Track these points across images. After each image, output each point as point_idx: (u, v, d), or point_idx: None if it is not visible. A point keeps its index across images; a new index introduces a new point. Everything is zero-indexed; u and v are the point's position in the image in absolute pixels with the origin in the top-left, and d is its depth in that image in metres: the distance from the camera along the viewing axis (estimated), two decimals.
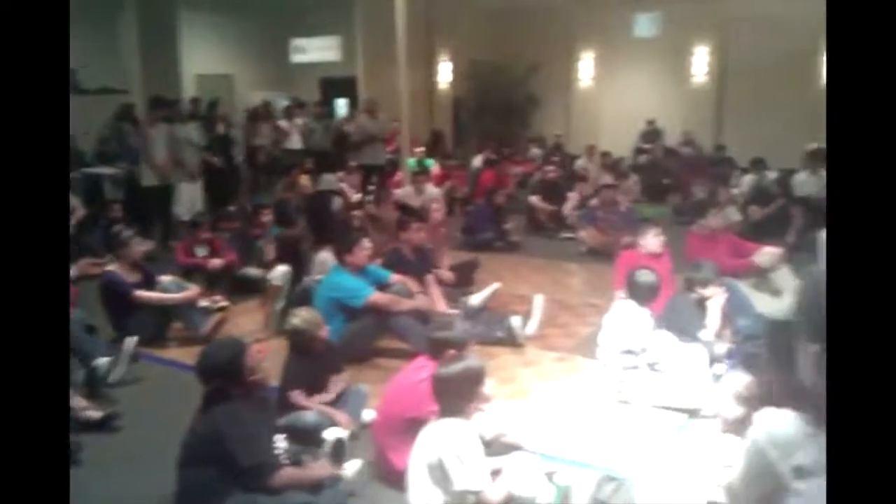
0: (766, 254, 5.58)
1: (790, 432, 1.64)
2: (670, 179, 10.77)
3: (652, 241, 5.39)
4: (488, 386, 2.98)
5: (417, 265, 5.50)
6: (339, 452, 3.28)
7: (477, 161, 11.22)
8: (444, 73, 13.96)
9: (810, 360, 1.21)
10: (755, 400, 2.62)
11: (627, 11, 13.33)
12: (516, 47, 13.01)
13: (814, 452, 1.21)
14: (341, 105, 13.31)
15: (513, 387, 4.34)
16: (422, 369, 3.39)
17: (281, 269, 5.40)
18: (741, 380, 3.21)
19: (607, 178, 10.03)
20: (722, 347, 4.20)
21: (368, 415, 3.74)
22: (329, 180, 8.53)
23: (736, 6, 12.03)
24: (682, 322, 4.42)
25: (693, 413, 3.83)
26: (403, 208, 7.18)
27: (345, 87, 12.98)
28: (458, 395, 2.89)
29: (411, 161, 9.29)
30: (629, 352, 4.10)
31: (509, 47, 12.99)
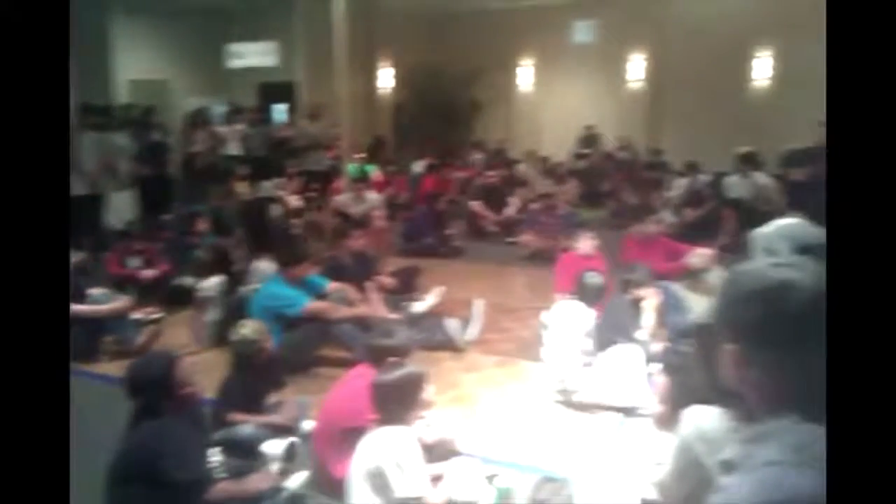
0: (699, 255, 5.74)
1: (716, 428, 1.67)
2: (608, 184, 10.98)
3: (585, 244, 5.50)
4: (429, 392, 2.97)
5: (357, 272, 5.46)
6: (290, 457, 3.24)
7: (418, 167, 11.23)
8: (386, 79, 13.94)
9: (727, 360, 1.22)
10: (675, 398, 2.68)
11: (565, 18, 13.54)
12: (458, 53, 13.08)
13: (738, 447, 1.23)
14: (280, 111, 13.14)
15: (455, 392, 4.35)
16: (361, 377, 3.37)
17: (213, 280, 5.29)
18: (663, 379, 3.30)
19: (547, 183, 10.17)
20: (657, 347, 4.30)
21: (308, 425, 3.69)
22: (267, 187, 8.41)
23: (670, 14, 12.35)
24: (619, 323, 4.51)
25: (630, 412, 3.90)
26: (344, 215, 7.13)
27: (284, 92, 12.82)
28: (398, 402, 2.88)
29: (352, 167, 9.24)
30: (570, 352, 4.16)
31: (451, 53, 13.05)
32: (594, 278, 4.41)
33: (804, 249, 5.14)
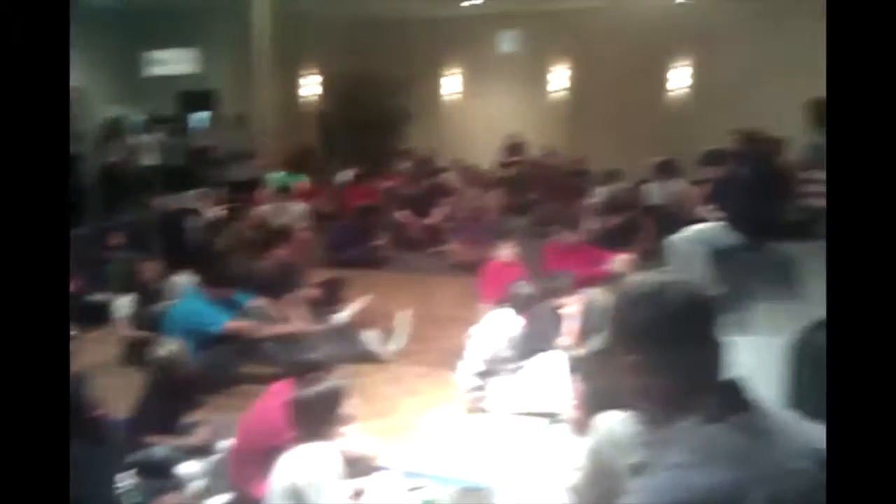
0: (620, 261, 5.87)
1: (626, 432, 1.69)
2: (533, 192, 11.11)
3: (506, 252, 5.56)
4: (351, 406, 2.94)
5: (281, 285, 5.35)
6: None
7: (344, 176, 11.13)
8: (311, 87, 13.77)
9: (625, 367, 1.25)
10: (589, 403, 2.73)
11: (491, 28, 13.71)
12: (385, 61, 13.05)
13: (646, 450, 1.26)
14: (201, 119, 12.80)
15: (378, 405, 4.30)
16: (280, 394, 3.30)
17: (125, 298, 5.09)
18: (576, 384, 3.37)
19: (474, 192, 10.23)
20: (578, 353, 4.36)
21: (225, 445, 3.58)
22: (186, 199, 8.17)
23: (592, 25, 12.65)
24: (542, 330, 4.57)
25: (553, 418, 3.94)
26: (266, 227, 6.98)
27: (204, 100, 12.50)
28: (317, 417, 2.83)
29: (275, 177, 9.08)
30: (495, 361, 4.18)
31: (378, 61, 13.00)
32: (524, 287, 4.46)
33: (718, 252, 5.36)
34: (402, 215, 9.05)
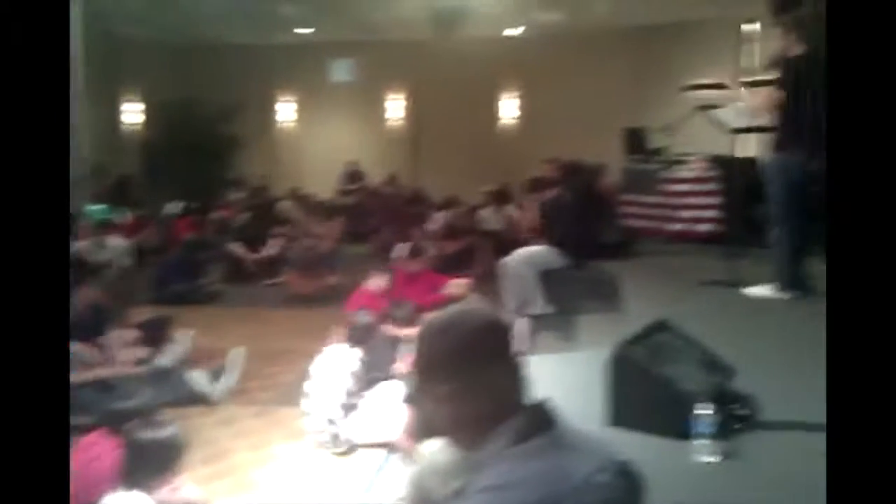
0: (456, 285, 5.96)
1: (445, 459, 1.70)
2: (373, 220, 11.12)
3: (375, 281, 5.49)
4: (181, 455, 2.73)
5: (95, 326, 4.92)
6: None
7: (171, 208, 10.53)
8: (134, 114, 12.99)
9: (436, 399, 1.27)
10: (417, 432, 2.73)
11: (325, 56, 13.65)
12: (215, 87, 12.57)
13: (464, 476, 1.31)
14: None
15: (208, 449, 4.03)
16: (93, 447, 3.01)
17: None
18: (405, 413, 3.36)
19: (312, 221, 10.06)
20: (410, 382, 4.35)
21: None
22: None
23: (425, 55, 12.95)
24: (382, 360, 4.53)
25: (392, 448, 3.88)
26: (81, 264, 6.41)
27: None
28: (143, 470, 2.61)
29: (93, 210, 8.41)
30: (337, 395, 4.06)
31: (206, 87, 12.49)
32: (362, 317, 4.38)
33: (546, 273, 5.59)
34: (234, 247, 8.68)
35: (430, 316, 1.35)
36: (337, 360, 4.16)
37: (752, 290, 4.57)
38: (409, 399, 3.25)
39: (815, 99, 4.37)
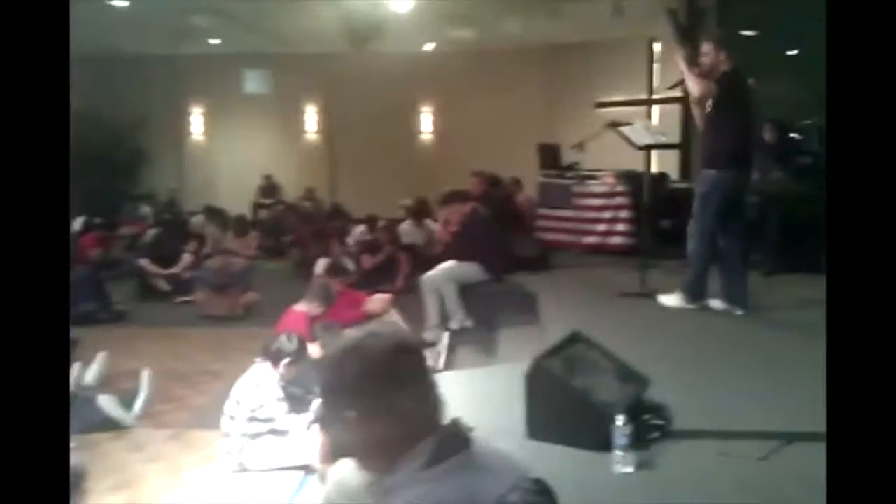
0: (376, 301, 5.91)
1: (355, 482, 1.69)
2: (290, 234, 10.95)
3: (311, 304, 5.31)
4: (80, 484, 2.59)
5: None
6: None
7: (76, 224, 10.05)
8: None
9: (345, 424, 1.27)
10: (330, 454, 2.70)
11: (237, 67, 13.37)
12: (122, 99, 12.10)
13: (373, 499, 1.29)
14: None
15: (120, 477, 3.85)
16: None
17: None
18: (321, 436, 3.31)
19: (226, 237, 9.81)
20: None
21: None
22: None
23: (341, 69, 12.86)
24: (305, 381, 4.44)
25: (309, 470, 3.82)
26: None
27: None
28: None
29: None
30: (255, 418, 3.96)
31: (111, 99, 12.01)
32: (284, 341, 4.24)
33: (466, 287, 5.64)
34: (144, 264, 8.36)
35: (337, 339, 1.34)
36: (259, 381, 4.05)
37: (714, 302, 4.67)
38: (319, 423, 3.21)
39: (745, 114, 4.52)
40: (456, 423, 1.29)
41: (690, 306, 4.66)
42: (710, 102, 4.47)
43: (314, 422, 3.67)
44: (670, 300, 4.74)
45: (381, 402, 1.24)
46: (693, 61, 4.58)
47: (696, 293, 4.67)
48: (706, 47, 4.55)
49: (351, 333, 1.33)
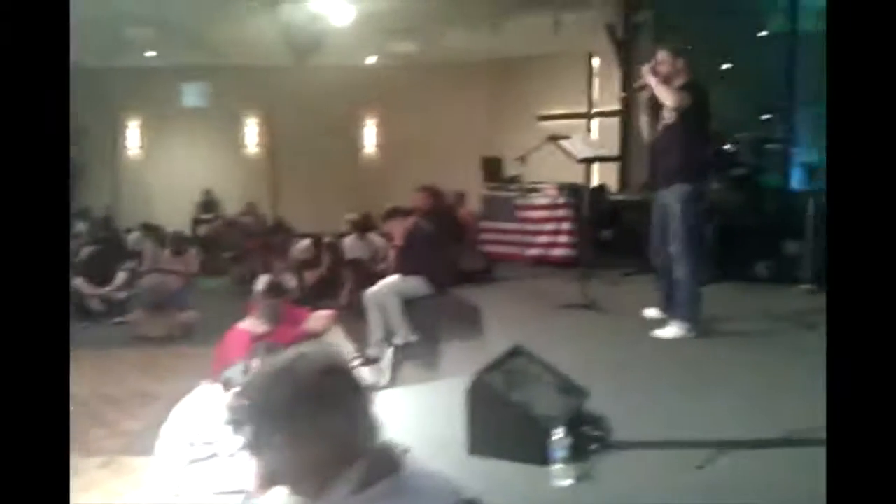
0: (318, 318, 5.78)
1: None
2: (232, 251, 10.73)
3: (253, 322, 5.14)
4: None
5: None
6: None
7: None
8: None
9: (274, 449, 1.25)
10: (263, 479, 2.64)
11: (173, 80, 13.08)
12: None
13: None
14: None
15: None
16: None
17: None
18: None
19: (163, 254, 9.55)
20: None
21: None
22: None
23: (282, 82, 12.72)
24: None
25: (248, 496, 3.71)
26: None
27: None
28: None
29: None
30: (195, 442, 3.83)
31: None
32: (235, 374, 4.10)
33: (410, 301, 5.60)
34: (77, 283, 8.06)
35: (264, 362, 1.30)
36: (203, 404, 3.93)
37: (663, 332, 4.37)
38: (249, 448, 3.14)
39: (709, 123, 4.45)
40: (388, 445, 1.27)
41: (692, 335, 4.27)
42: (673, 114, 4.30)
43: (243, 447, 3.58)
44: (669, 332, 4.33)
45: (310, 426, 1.21)
46: (656, 71, 4.38)
47: (698, 319, 4.33)
48: (662, 55, 4.39)
49: (278, 356, 1.30)
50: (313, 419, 1.21)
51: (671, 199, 4.33)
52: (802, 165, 7.65)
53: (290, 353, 1.29)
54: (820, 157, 7.73)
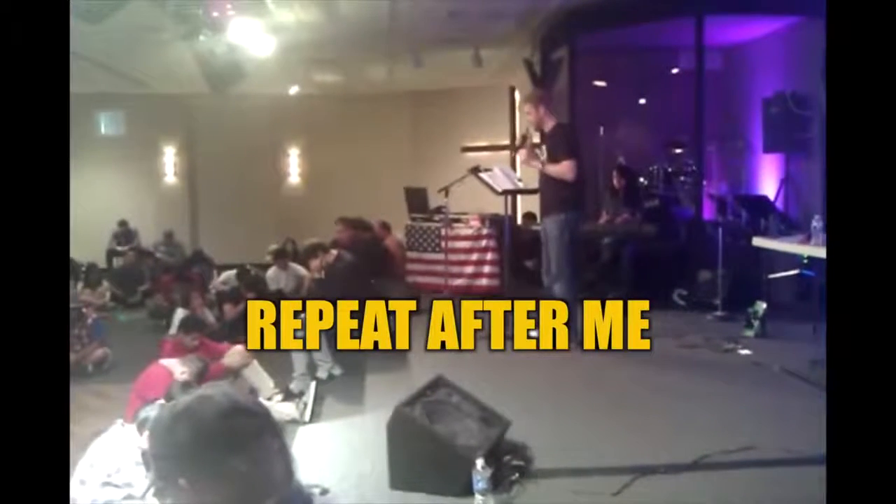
0: (235, 354, 5.60)
1: None
2: (148, 283, 10.37)
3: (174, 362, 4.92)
4: None
5: None
6: None
7: None
8: None
9: (180, 492, 1.21)
10: None
11: (88, 108, 12.62)
12: None
13: None
14: None
15: None
16: None
17: None
18: None
19: (78, 287, 9.15)
20: None
21: None
22: None
23: (200, 109, 12.46)
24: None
25: None
26: None
27: None
28: None
29: None
30: (109, 482, 3.65)
31: None
32: (148, 411, 3.93)
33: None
34: None
35: (168, 404, 1.27)
36: (118, 444, 3.75)
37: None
38: (153, 491, 3.03)
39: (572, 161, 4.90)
40: (299, 486, 1.26)
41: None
42: (545, 152, 4.99)
43: (148, 490, 3.44)
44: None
45: (214, 468, 1.19)
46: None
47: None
48: (527, 107, 5.10)
49: (181, 399, 1.27)
50: (217, 461, 1.19)
51: (549, 225, 5.03)
52: (711, 197, 8.01)
53: (192, 395, 1.27)
54: (729, 189, 8.13)
